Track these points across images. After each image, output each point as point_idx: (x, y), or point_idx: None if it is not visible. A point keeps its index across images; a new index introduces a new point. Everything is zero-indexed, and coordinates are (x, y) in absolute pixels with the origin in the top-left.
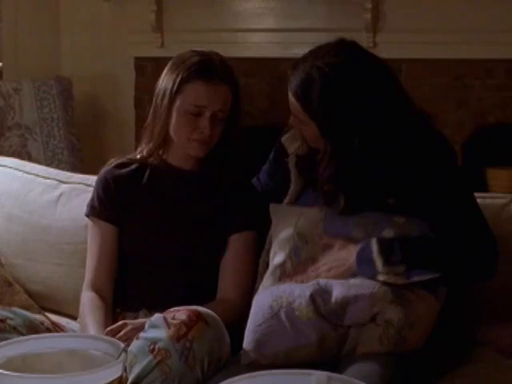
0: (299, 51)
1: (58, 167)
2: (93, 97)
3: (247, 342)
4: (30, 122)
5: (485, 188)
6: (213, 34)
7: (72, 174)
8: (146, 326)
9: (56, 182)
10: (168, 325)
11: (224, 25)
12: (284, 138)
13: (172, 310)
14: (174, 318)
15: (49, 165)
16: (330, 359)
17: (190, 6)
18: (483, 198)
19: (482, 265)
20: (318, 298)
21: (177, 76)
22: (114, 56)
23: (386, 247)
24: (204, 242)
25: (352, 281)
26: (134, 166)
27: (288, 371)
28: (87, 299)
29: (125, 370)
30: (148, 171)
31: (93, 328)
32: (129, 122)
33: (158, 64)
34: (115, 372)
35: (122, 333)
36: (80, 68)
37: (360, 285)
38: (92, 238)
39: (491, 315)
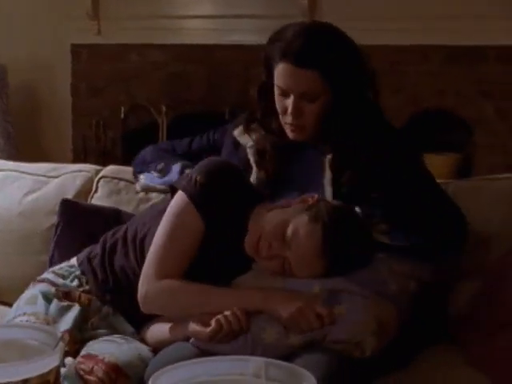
0: (237, 38)
1: None
2: (28, 84)
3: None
4: None
5: None
6: (150, 21)
7: (6, 161)
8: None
9: None
10: (85, 382)
11: (161, 11)
12: (236, 132)
13: (87, 355)
14: (91, 372)
15: None
16: None
17: None
18: None
19: (456, 231)
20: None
21: None
22: (50, 43)
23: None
24: None
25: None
26: None
27: (226, 358)
28: (170, 283)
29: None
30: None
31: (229, 292)
32: (65, 110)
33: (95, 51)
34: (52, 361)
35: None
36: (15, 55)
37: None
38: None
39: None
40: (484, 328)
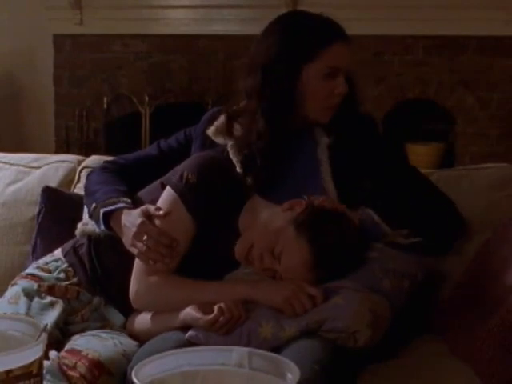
0: (219, 28)
1: None
2: (11, 74)
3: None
4: None
5: None
6: (132, 11)
7: None
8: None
9: None
10: (67, 378)
11: (144, 1)
12: (211, 132)
13: (71, 349)
14: (74, 368)
15: None
16: None
17: None
18: None
19: (455, 224)
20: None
21: None
22: (32, 33)
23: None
24: None
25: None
26: None
27: (209, 348)
28: (159, 279)
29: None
30: None
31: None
32: (47, 100)
33: (77, 41)
34: (35, 352)
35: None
36: None
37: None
38: None
39: None
40: (466, 317)
